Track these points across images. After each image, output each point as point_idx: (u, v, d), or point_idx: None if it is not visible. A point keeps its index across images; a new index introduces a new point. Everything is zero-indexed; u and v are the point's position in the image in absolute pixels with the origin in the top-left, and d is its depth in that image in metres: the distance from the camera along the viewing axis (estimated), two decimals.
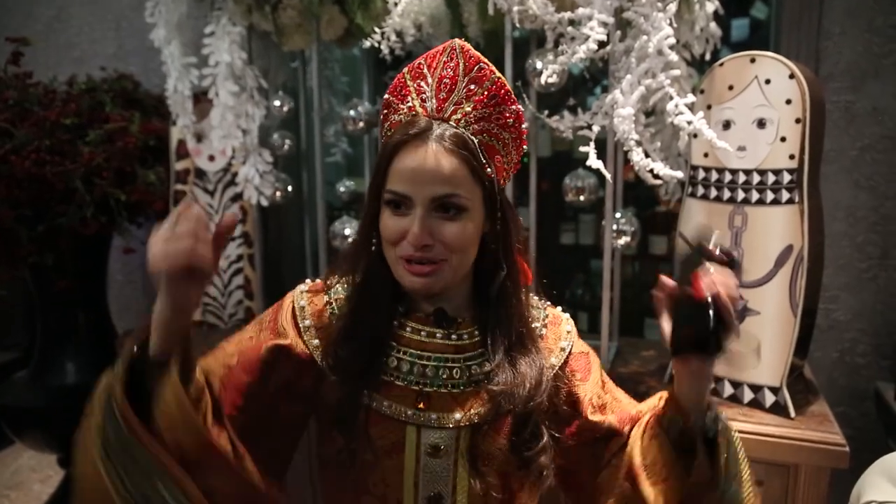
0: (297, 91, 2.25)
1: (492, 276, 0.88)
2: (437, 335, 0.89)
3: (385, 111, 0.88)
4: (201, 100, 2.10)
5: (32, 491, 2.71)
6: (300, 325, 0.91)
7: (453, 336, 0.90)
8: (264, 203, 2.03)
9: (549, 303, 1.02)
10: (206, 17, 1.95)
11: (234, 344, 0.92)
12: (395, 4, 1.63)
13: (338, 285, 0.95)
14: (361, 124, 1.99)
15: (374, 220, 0.86)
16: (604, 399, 0.98)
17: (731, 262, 0.80)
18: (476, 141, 0.82)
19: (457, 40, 0.85)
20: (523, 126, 0.88)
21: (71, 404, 2.25)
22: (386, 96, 0.88)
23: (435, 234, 0.81)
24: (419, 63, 0.86)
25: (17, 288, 2.75)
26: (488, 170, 0.83)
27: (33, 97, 2.00)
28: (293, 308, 0.93)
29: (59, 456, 2.39)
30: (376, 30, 1.63)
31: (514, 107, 0.85)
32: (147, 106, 2.31)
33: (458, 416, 0.87)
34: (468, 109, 0.82)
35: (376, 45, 1.63)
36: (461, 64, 0.83)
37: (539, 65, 1.60)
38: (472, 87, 0.83)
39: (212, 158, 2.20)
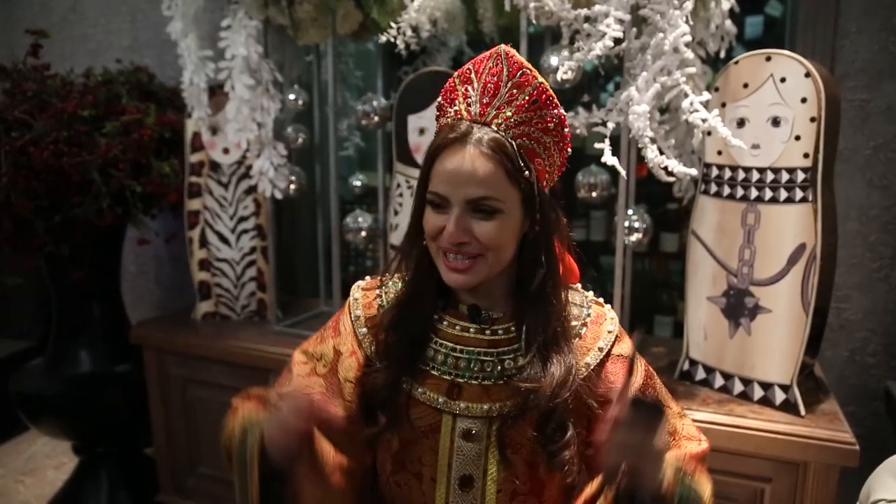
0: (311, 85, 2.27)
1: (532, 273, 0.90)
2: (471, 330, 0.94)
3: (438, 114, 0.93)
4: (217, 93, 2.12)
5: (47, 477, 2.74)
6: (352, 315, 1.01)
7: (487, 331, 0.93)
8: (278, 196, 2.05)
9: (595, 299, 1.02)
10: (223, 10, 1.97)
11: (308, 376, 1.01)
12: (411, 0, 1.64)
13: (390, 282, 1.02)
14: (375, 118, 2.00)
15: (421, 217, 0.90)
16: None
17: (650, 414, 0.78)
18: (515, 144, 0.85)
19: (503, 46, 0.87)
20: (566, 130, 0.90)
21: (84, 393, 2.30)
22: (439, 99, 0.92)
23: (470, 232, 0.85)
24: (468, 68, 0.89)
25: (33, 278, 2.79)
26: (526, 173, 0.86)
27: (51, 89, 2.02)
28: (349, 300, 1.03)
29: (73, 443, 2.42)
30: (392, 25, 1.64)
31: (556, 111, 0.87)
32: (162, 98, 2.33)
33: (486, 406, 0.91)
34: (509, 114, 0.85)
35: (392, 39, 1.64)
36: (505, 69, 0.85)
37: (554, 61, 1.60)
38: (515, 91, 0.85)
39: (226, 151, 2.22)
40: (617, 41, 1.40)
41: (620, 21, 1.38)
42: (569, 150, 0.92)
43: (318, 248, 2.33)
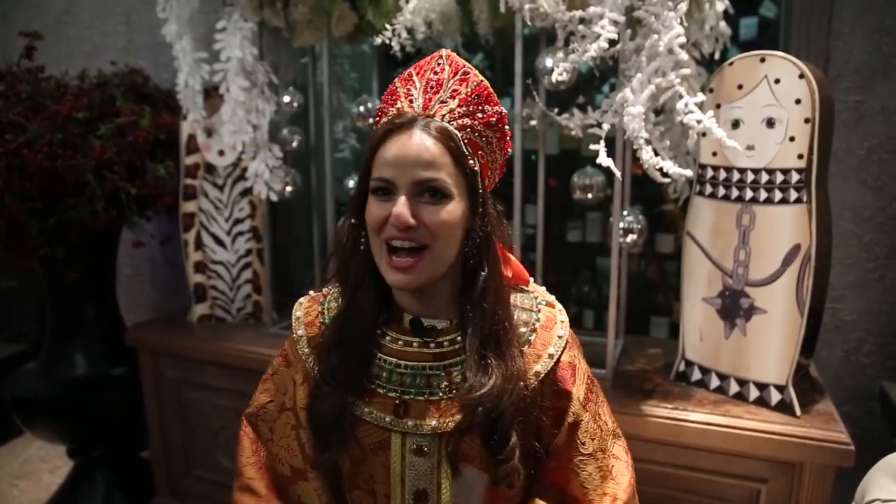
0: (306, 87, 2.26)
1: (475, 276, 0.88)
2: (414, 344, 0.91)
3: (377, 118, 0.92)
4: (212, 95, 2.12)
5: (42, 481, 2.73)
6: (294, 335, 0.99)
7: (432, 344, 0.91)
8: (273, 198, 2.04)
9: (548, 300, 0.99)
10: (218, 12, 1.97)
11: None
12: (407, 1, 1.64)
13: (330, 295, 1.00)
14: (370, 120, 2.00)
15: (360, 216, 0.88)
16: (584, 469, 0.93)
17: None
18: (459, 135, 0.85)
19: (444, 49, 0.90)
20: (506, 127, 0.90)
21: (80, 396, 2.30)
22: (379, 105, 0.92)
23: (418, 217, 0.82)
24: (409, 71, 0.90)
25: (28, 280, 2.78)
26: (471, 161, 0.86)
27: (45, 91, 2.02)
28: (292, 319, 1.01)
29: (67, 447, 2.41)
30: (387, 26, 1.64)
31: (496, 107, 0.88)
32: (157, 100, 2.32)
33: (434, 423, 0.89)
34: (452, 106, 0.86)
35: (387, 41, 1.64)
36: (447, 68, 0.87)
37: (549, 62, 1.60)
38: (458, 87, 0.87)
39: (221, 153, 2.21)
40: (612, 43, 1.40)
41: (615, 23, 1.38)
42: (509, 149, 0.92)
43: (313, 249, 2.33)
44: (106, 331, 2.36)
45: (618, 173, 1.46)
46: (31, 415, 2.29)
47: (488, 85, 0.88)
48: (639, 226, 1.73)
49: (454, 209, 0.84)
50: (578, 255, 2.70)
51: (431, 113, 0.85)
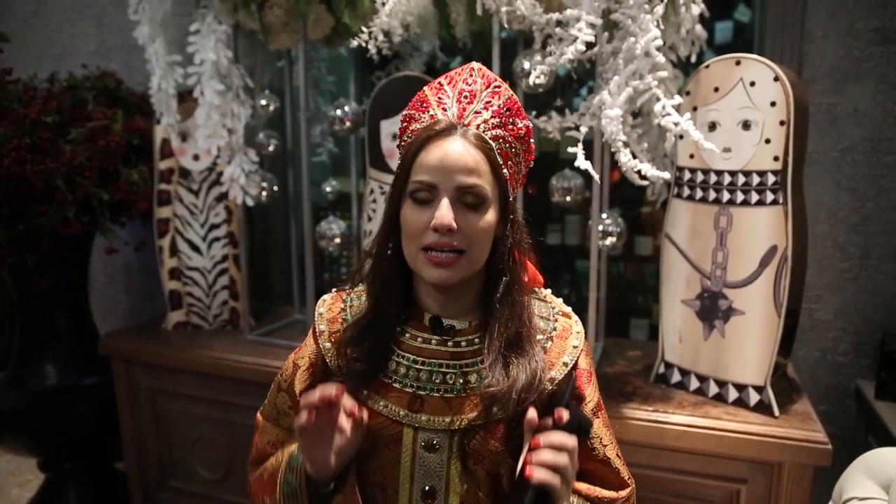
0: (283, 90, 2.24)
1: (498, 282, 0.91)
2: (433, 341, 0.93)
3: (405, 124, 0.94)
4: (186, 98, 2.08)
5: (10, 496, 2.66)
6: (316, 330, 1.00)
7: (450, 343, 0.93)
8: (250, 203, 2.01)
9: (564, 310, 1.01)
10: (192, 14, 1.93)
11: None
12: (383, 4, 1.62)
13: (353, 293, 1.02)
14: (348, 124, 1.98)
15: (393, 221, 0.90)
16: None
17: (577, 428, 0.84)
18: (493, 145, 0.88)
19: (475, 62, 0.93)
20: (531, 141, 0.94)
21: (51, 407, 2.24)
22: (405, 112, 0.94)
23: (458, 222, 0.84)
24: (439, 81, 0.93)
25: None
26: (504, 171, 0.89)
27: (12, 94, 1.97)
28: (315, 315, 1.02)
29: (38, 459, 2.35)
30: (364, 29, 1.63)
31: (525, 121, 0.91)
32: (130, 104, 2.28)
33: (448, 419, 0.90)
34: (487, 117, 0.88)
35: (363, 44, 1.63)
36: (479, 80, 0.90)
37: (527, 65, 1.60)
38: (490, 99, 0.89)
39: (196, 158, 2.18)
40: (589, 45, 1.40)
41: (592, 25, 1.38)
42: (531, 162, 0.96)
43: (291, 254, 2.30)
44: (78, 340, 2.31)
45: (596, 176, 1.46)
46: (0, 427, 2.23)
47: (517, 99, 0.91)
48: (618, 228, 1.73)
49: (490, 217, 0.87)
50: (558, 258, 2.70)
51: (466, 122, 0.87)
